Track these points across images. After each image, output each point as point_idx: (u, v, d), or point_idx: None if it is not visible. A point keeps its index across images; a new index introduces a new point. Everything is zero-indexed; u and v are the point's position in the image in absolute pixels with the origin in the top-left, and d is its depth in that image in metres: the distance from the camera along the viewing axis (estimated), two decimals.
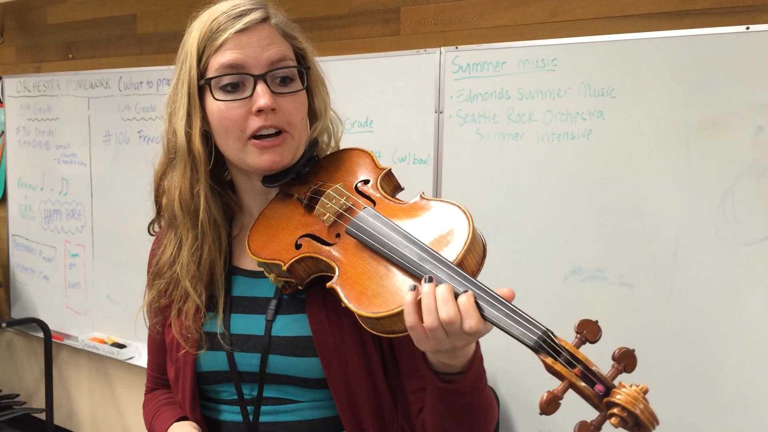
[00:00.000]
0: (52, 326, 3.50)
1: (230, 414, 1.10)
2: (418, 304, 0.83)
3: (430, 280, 0.84)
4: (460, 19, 2.25)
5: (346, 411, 1.04)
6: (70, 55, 3.44)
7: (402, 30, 2.38)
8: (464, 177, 2.22)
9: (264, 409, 1.07)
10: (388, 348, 1.07)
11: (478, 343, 0.93)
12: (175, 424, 1.12)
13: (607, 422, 0.75)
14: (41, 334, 3.48)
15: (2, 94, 3.72)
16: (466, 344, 0.86)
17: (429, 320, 0.82)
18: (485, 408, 0.96)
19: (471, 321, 0.81)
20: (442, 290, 0.83)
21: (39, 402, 3.71)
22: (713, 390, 1.87)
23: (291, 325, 1.05)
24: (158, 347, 1.21)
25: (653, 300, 1.92)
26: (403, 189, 1.08)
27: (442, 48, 2.24)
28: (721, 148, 1.83)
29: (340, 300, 0.91)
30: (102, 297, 3.34)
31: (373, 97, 2.39)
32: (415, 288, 0.84)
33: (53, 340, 3.50)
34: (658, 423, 0.74)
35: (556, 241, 2.07)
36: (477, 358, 0.92)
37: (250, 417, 1.08)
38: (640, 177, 1.94)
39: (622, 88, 1.95)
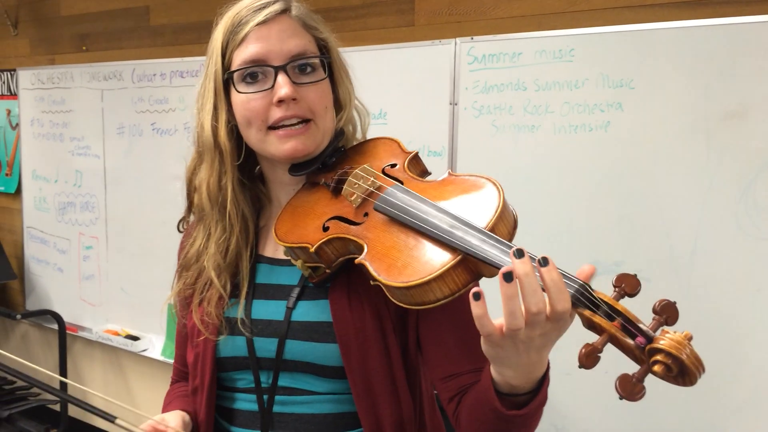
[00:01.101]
0: (66, 318, 3.52)
1: (245, 402, 1.09)
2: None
3: (521, 253, 0.74)
4: (476, 10, 2.22)
5: (363, 404, 1.02)
6: (84, 47, 3.45)
7: (417, 21, 2.36)
8: (479, 169, 2.19)
9: (278, 398, 1.06)
10: (414, 337, 1.06)
11: (548, 363, 0.87)
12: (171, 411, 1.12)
13: (649, 376, 0.72)
14: (56, 326, 3.49)
15: (17, 86, 3.73)
16: (541, 333, 0.76)
17: (512, 321, 0.74)
18: (534, 426, 0.92)
19: (564, 304, 0.73)
20: (529, 282, 0.74)
21: None
22: (732, 387, 1.84)
23: (312, 311, 1.05)
24: (184, 340, 1.22)
25: (671, 295, 1.82)
26: (430, 173, 1.07)
27: (457, 39, 2.21)
28: (742, 140, 1.80)
29: (369, 276, 0.90)
30: (116, 289, 3.35)
31: (387, 89, 2.37)
32: (479, 297, 0.76)
33: (67, 332, 3.52)
34: (704, 370, 0.70)
35: (573, 234, 2.04)
36: (547, 378, 0.87)
37: (266, 406, 1.07)
38: (659, 169, 1.91)
39: (641, 79, 1.91)
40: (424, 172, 1.07)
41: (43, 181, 3.65)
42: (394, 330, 1.04)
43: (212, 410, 1.11)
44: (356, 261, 0.93)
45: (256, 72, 1.03)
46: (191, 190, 1.14)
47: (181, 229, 1.21)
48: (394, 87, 2.36)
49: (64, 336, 3.48)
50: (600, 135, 1.98)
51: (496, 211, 0.86)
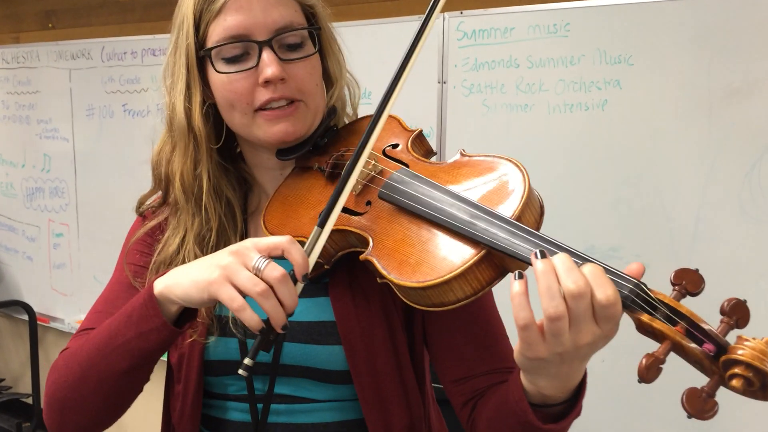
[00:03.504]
0: (37, 308, 3.42)
1: (237, 412, 0.98)
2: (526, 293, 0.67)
3: (543, 254, 0.67)
4: None
5: (373, 411, 0.92)
6: (50, 25, 3.32)
7: None
8: (469, 151, 2.11)
9: (275, 408, 0.96)
10: (421, 335, 0.97)
11: (585, 370, 0.78)
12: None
13: (722, 387, 0.62)
14: (26, 317, 3.40)
15: None
16: (590, 342, 0.67)
17: (552, 306, 0.64)
18: None
19: (607, 290, 0.64)
20: (562, 258, 0.66)
21: (25, 386, 3.63)
22: None
23: (311, 310, 0.94)
24: (125, 289, 1.01)
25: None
26: (435, 153, 0.97)
27: (445, 13, 2.11)
28: (747, 118, 1.72)
29: (377, 273, 0.80)
30: (88, 278, 3.23)
31: (371, 67, 2.24)
32: (521, 275, 0.68)
33: (38, 322, 3.42)
34: None
35: (568, 218, 1.96)
36: (584, 386, 0.77)
37: (260, 416, 0.96)
38: (659, 150, 1.83)
39: (640, 54, 1.83)
40: (429, 152, 0.96)
41: (10, 165, 3.53)
42: (403, 326, 0.94)
43: (197, 420, 0.99)
44: (361, 257, 0.82)
45: (238, 49, 0.91)
46: (159, 173, 1.02)
47: (141, 211, 1.08)
48: (379, 65, 2.24)
49: (35, 327, 3.39)
50: (597, 114, 1.90)
51: (522, 198, 0.75)
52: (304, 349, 0.93)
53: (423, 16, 0.83)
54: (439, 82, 2.14)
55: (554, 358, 0.68)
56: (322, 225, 0.81)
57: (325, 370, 0.93)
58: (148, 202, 1.08)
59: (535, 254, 0.68)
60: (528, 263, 0.70)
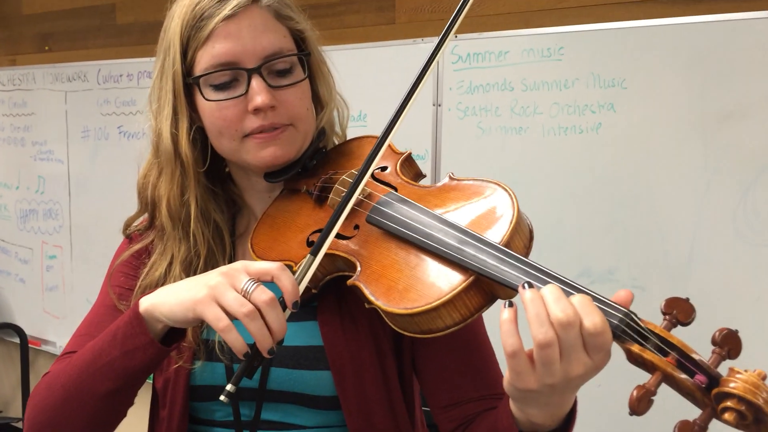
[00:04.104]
0: (28, 331, 3.38)
1: None
2: (515, 320, 0.66)
3: (530, 285, 0.68)
4: None
5: None
6: (47, 47, 3.33)
7: (397, 18, 2.27)
8: (464, 174, 2.11)
9: None
10: (409, 360, 0.95)
11: (576, 397, 0.77)
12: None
13: (714, 420, 0.62)
14: (17, 340, 3.36)
15: None
16: (581, 374, 0.66)
17: (541, 333, 0.64)
18: None
19: (594, 317, 0.64)
20: (551, 289, 0.66)
21: (16, 411, 3.59)
22: None
23: (299, 334, 0.93)
24: (110, 312, 1.00)
25: None
26: (425, 176, 0.97)
27: None
28: (740, 141, 1.72)
29: (364, 299, 0.79)
30: (81, 301, 3.20)
31: (366, 90, 2.27)
32: (511, 304, 0.68)
33: (30, 345, 3.38)
34: None
35: (564, 241, 1.96)
36: (575, 413, 0.76)
37: None
38: (653, 173, 1.83)
39: (634, 78, 1.84)
40: (418, 175, 0.96)
41: (4, 187, 3.51)
42: (392, 351, 0.93)
43: None
44: (348, 282, 0.81)
45: (226, 76, 0.90)
46: (145, 197, 1.01)
47: (127, 233, 1.07)
48: (374, 87, 2.26)
49: (26, 350, 3.35)
50: (591, 137, 1.90)
51: (511, 223, 0.75)
52: (292, 374, 0.92)
53: (434, 45, 0.84)
54: (434, 105, 2.14)
55: (544, 389, 0.67)
56: (315, 253, 0.80)
57: (313, 396, 0.92)
58: (135, 224, 1.07)
59: (523, 285, 0.68)
60: (514, 289, 0.69)
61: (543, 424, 0.73)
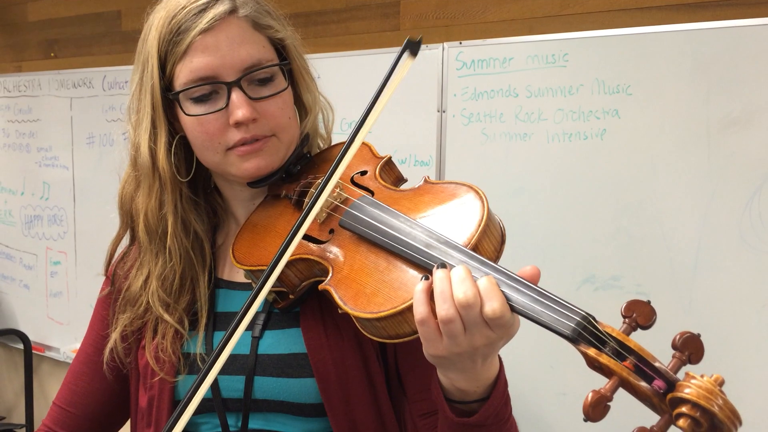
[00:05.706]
0: (32, 337, 3.37)
1: None
2: (431, 294, 0.70)
3: (444, 266, 0.71)
4: (464, 13, 2.14)
5: None
6: (52, 54, 3.34)
7: (402, 25, 2.27)
8: (469, 179, 2.10)
9: None
10: (393, 365, 0.94)
11: (502, 365, 0.80)
12: None
13: (673, 426, 0.60)
14: (21, 346, 3.35)
15: None
16: (486, 344, 0.70)
17: (443, 309, 0.68)
18: None
19: (494, 303, 0.67)
20: (459, 270, 0.70)
21: (19, 417, 3.57)
22: (736, 408, 1.76)
23: (282, 342, 0.93)
24: (87, 368, 1.06)
25: (672, 310, 1.80)
26: (406, 180, 0.96)
27: (444, 43, 2.12)
28: (746, 148, 1.72)
29: (335, 304, 0.78)
30: (85, 307, 3.19)
31: (353, 98, 2.25)
32: (427, 277, 0.71)
33: (34, 351, 3.37)
34: (741, 423, 0.59)
35: (568, 247, 1.95)
36: (501, 381, 0.78)
37: None
38: (659, 179, 1.82)
39: (639, 84, 1.83)
40: (399, 180, 0.95)
41: (9, 193, 3.51)
42: (377, 357, 0.92)
43: None
44: (320, 287, 0.81)
45: (206, 89, 0.90)
46: (125, 211, 1.02)
47: (106, 269, 1.10)
48: (363, 95, 2.25)
49: (30, 356, 3.34)
50: (596, 143, 1.90)
51: (479, 225, 0.75)
52: (277, 382, 0.91)
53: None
54: (438, 111, 2.14)
55: (453, 357, 0.71)
56: (280, 254, 0.79)
57: (299, 404, 0.91)
58: (117, 254, 1.08)
59: (438, 266, 0.71)
60: None
61: (468, 389, 0.76)
